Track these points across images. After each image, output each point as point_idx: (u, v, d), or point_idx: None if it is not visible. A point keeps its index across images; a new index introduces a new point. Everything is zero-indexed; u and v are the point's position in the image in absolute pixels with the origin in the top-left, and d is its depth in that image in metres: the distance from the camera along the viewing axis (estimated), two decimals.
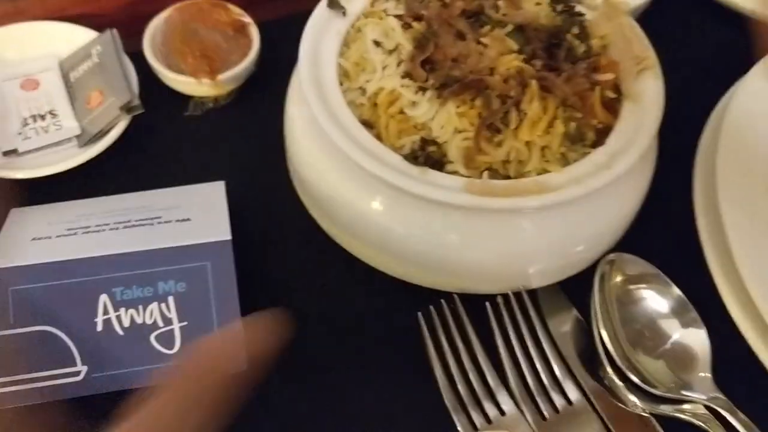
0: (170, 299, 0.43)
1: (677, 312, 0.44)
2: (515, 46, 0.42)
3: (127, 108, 0.51)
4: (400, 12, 0.45)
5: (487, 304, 0.43)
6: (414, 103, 0.42)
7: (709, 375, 0.42)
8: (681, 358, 0.43)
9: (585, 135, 0.42)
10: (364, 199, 0.42)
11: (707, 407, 0.41)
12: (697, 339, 0.43)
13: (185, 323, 0.43)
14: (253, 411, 0.35)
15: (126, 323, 0.43)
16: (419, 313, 0.43)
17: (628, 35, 0.46)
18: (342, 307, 0.46)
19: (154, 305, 0.43)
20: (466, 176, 0.41)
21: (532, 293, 0.45)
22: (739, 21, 0.62)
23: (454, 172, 0.41)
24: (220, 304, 0.43)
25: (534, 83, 0.41)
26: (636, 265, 0.44)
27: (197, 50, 0.53)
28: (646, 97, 0.44)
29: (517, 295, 0.43)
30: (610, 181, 0.40)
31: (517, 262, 0.42)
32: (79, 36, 0.55)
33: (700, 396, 0.41)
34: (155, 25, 0.55)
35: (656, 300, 0.44)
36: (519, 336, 0.43)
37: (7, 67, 0.54)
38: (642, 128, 0.42)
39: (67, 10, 0.56)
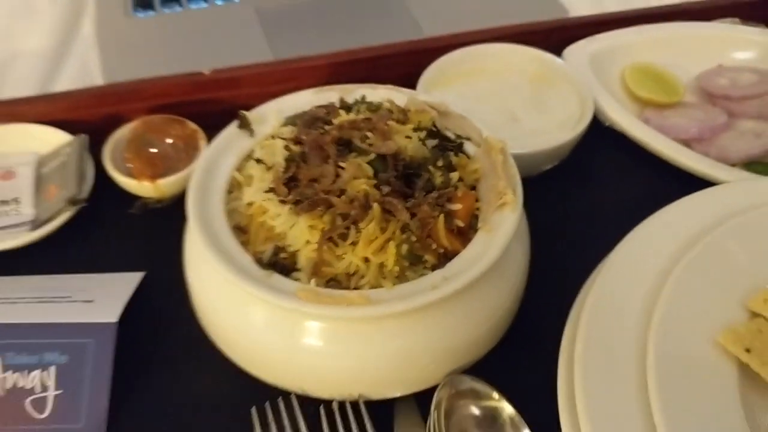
0: (52, 368, 0.49)
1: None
2: (370, 172, 0.46)
3: (72, 201, 0.58)
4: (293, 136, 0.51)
5: (321, 409, 0.45)
6: (279, 215, 0.47)
7: None
8: None
9: (422, 258, 0.45)
10: (218, 293, 0.47)
11: None
12: None
13: (60, 392, 0.48)
14: None
15: (9, 385, 0.48)
16: (252, 409, 0.46)
17: (498, 171, 0.49)
18: (190, 391, 0.50)
19: (36, 372, 0.49)
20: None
21: (387, 405, 0.47)
22: (663, 166, 0.65)
23: (298, 279, 0.45)
24: (93, 379, 0.48)
25: (376, 206, 0.45)
26: (470, 384, 0.46)
27: (144, 157, 0.61)
28: (499, 229, 0.46)
29: (354, 404, 0.46)
30: (434, 300, 0.42)
31: (350, 369, 0.45)
32: (58, 138, 0.64)
33: None
34: (120, 133, 0.64)
35: (486, 418, 0.45)
36: None
37: None
38: (484, 256, 0.45)
39: (54, 115, 0.65)
